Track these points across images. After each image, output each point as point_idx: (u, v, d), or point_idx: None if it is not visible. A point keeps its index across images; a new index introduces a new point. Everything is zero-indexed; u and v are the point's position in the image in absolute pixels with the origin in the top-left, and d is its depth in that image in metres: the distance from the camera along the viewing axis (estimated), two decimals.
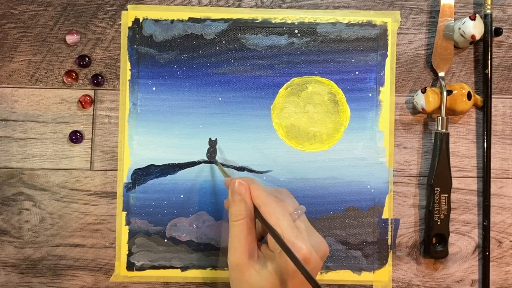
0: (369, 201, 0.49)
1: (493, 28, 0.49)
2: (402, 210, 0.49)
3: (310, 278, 0.34)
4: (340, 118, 0.49)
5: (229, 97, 0.49)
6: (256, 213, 0.39)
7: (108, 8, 0.49)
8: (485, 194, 0.49)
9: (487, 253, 0.48)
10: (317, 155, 0.49)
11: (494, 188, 0.49)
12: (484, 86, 0.49)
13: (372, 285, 0.48)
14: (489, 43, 0.49)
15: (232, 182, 0.40)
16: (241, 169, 0.49)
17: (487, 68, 0.49)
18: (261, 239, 0.43)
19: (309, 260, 0.37)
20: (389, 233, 0.49)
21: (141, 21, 0.49)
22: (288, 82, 0.49)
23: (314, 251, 0.37)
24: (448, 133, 0.48)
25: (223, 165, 0.48)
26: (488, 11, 0.49)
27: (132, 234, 0.48)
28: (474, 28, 0.46)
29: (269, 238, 0.38)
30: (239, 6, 0.50)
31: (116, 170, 0.48)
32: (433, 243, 0.48)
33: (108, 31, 0.49)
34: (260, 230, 0.43)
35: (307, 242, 0.37)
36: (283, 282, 0.37)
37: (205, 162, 0.48)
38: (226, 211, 0.46)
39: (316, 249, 0.38)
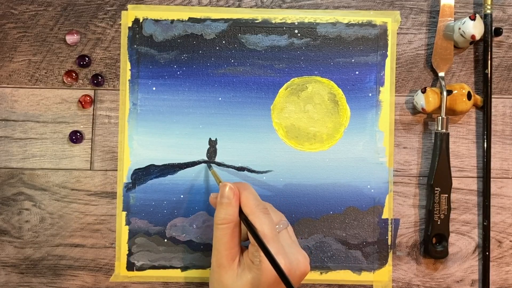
0: (369, 201, 0.49)
1: (493, 28, 0.49)
2: (402, 210, 0.49)
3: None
4: (340, 118, 0.49)
5: (229, 97, 0.49)
6: (244, 220, 0.39)
7: (108, 8, 0.49)
8: (485, 194, 0.49)
9: (487, 253, 0.48)
10: (317, 155, 0.49)
11: (494, 188, 0.49)
12: (484, 86, 0.49)
13: (372, 285, 0.48)
14: (489, 43, 0.49)
15: (223, 185, 0.40)
16: (241, 169, 0.49)
17: (487, 68, 0.49)
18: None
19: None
20: (389, 233, 0.49)
21: (141, 21, 0.49)
22: (288, 82, 0.49)
23: (293, 268, 0.37)
24: (448, 133, 0.48)
25: (223, 165, 0.48)
26: (488, 11, 0.49)
27: (132, 234, 0.48)
28: (474, 28, 0.46)
29: (250, 249, 0.38)
30: (239, 6, 0.50)
31: (116, 170, 0.48)
32: (433, 243, 0.48)
33: (108, 31, 0.49)
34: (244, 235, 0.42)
35: (286, 257, 0.37)
36: None
37: (205, 162, 0.48)
38: None
39: (296, 266, 0.38)
